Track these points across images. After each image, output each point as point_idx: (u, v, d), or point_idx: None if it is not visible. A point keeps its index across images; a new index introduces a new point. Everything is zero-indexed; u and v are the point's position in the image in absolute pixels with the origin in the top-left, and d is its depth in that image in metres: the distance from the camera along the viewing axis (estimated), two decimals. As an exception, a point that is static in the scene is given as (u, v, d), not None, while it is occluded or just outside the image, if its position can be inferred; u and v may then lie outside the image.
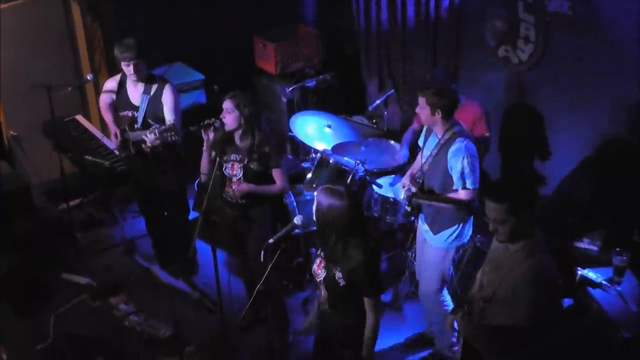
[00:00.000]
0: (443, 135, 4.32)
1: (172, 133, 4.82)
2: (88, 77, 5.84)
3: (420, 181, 4.48)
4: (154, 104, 5.10)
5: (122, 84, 5.21)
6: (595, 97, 5.20)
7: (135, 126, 5.14)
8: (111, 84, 5.29)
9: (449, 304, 4.69)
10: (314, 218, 3.68)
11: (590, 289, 4.48)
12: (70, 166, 6.01)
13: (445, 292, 4.71)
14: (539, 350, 3.29)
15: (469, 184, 4.27)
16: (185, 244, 4.95)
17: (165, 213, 5.61)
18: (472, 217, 4.53)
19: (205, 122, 4.52)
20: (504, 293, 3.31)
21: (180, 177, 5.43)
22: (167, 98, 5.09)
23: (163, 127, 4.85)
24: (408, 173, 4.69)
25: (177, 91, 5.26)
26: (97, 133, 6.03)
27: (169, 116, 5.07)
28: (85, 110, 6.77)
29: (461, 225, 4.46)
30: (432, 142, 4.43)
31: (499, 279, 3.35)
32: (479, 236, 5.24)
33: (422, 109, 4.29)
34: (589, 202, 5.27)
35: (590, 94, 5.23)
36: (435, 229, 4.50)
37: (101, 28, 6.50)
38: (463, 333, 3.59)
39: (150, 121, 5.04)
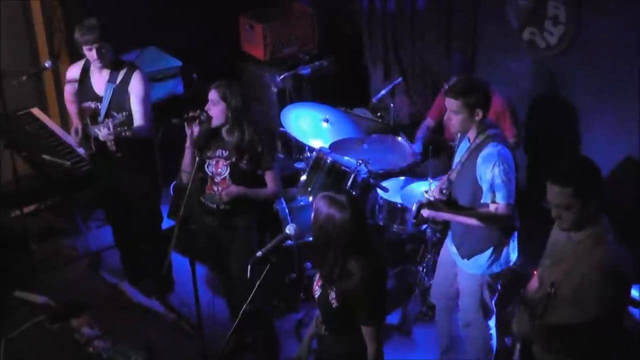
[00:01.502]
0: (475, 139, 4.22)
1: (125, 127, 4.81)
2: (46, 64, 5.79)
3: (447, 192, 4.41)
4: (120, 93, 5.09)
5: (85, 71, 5.21)
6: (638, 86, 5.17)
7: (98, 119, 5.11)
8: (74, 71, 5.28)
9: (494, 338, 4.62)
10: (312, 229, 3.64)
11: (631, 309, 4.46)
12: (24, 167, 5.96)
13: (492, 324, 4.61)
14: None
15: (499, 198, 4.16)
16: (159, 257, 4.93)
17: (136, 221, 5.57)
18: (515, 238, 4.41)
19: (190, 114, 4.51)
20: (567, 290, 3.38)
21: (153, 179, 5.41)
22: (134, 86, 5.08)
23: (116, 120, 4.84)
24: (439, 183, 4.57)
25: (149, 80, 5.24)
26: (57, 128, 6.01)
27: (136, 108, 5.06)
28: (42, 102, 6.75)
29: (497, 248, 4.33)
30: (464, 147, 4.35)
31: (562, 273, 3.42)
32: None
33: (457, 114, 4.13)
34: (631, 208, 5.25)
35: (631, 84, 5.21)
36: (465, 252, 4.39)
37: (62, 6, 6.47)
38: (522, 331, 3.61)
39: (114, 114, 5.03)
